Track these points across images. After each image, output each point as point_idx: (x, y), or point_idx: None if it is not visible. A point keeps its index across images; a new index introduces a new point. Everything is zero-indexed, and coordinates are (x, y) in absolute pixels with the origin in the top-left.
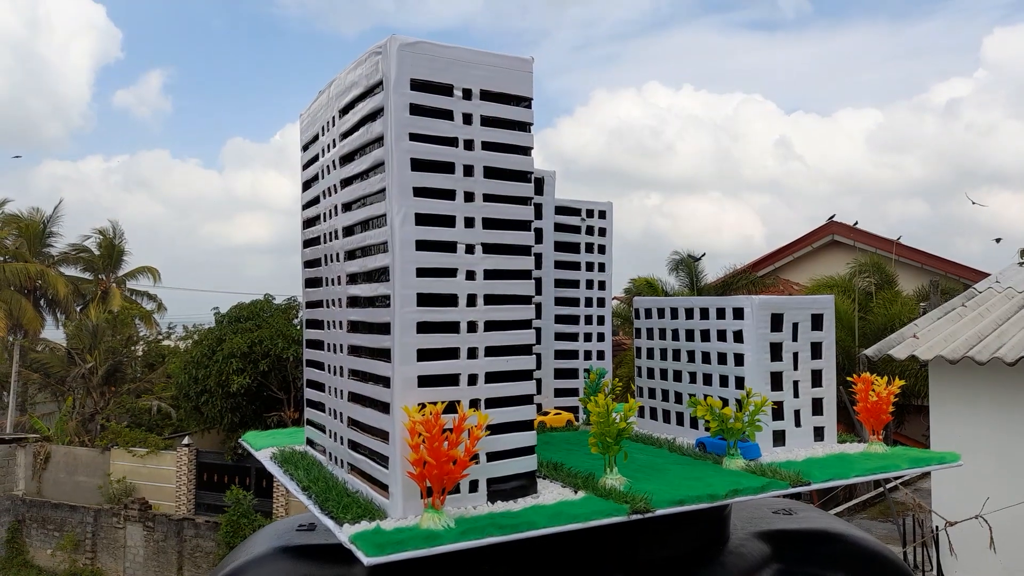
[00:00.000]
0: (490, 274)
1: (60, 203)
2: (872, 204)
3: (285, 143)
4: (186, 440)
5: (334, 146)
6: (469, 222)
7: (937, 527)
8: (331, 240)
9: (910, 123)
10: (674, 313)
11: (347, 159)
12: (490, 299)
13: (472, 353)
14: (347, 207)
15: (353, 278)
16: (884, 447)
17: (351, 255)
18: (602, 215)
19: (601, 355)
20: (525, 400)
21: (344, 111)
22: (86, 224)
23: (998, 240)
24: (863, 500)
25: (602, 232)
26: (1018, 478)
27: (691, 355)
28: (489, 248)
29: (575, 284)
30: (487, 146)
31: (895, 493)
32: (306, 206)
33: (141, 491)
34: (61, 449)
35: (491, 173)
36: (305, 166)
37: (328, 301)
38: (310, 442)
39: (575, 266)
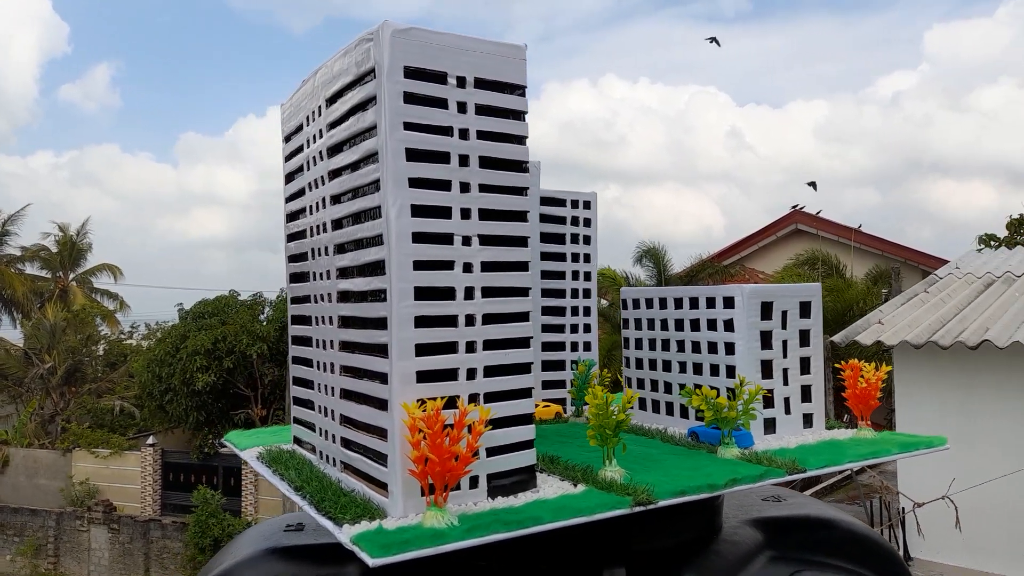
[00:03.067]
0: (487, 266)
1: (27, 207)
2: (827, 193)
3: (238, 137)
4: (151, 440)
5: (320, 136)
6: (465, 213)
7: (903, 508)
8: (319, 234)
9: (856, 115)
10: (663, 303)
11: (335, 150)
12: (488, 292)
13: (470, 347)
14: (336, 199)
15: (344, 272)
16: (873, 432)
17: (341, 249)
18: (587, 205)
19: (588, 346)
20: (524, 393)
21: (331, 100)
22: (37, 221)
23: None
24: (831, 483)
25: (587, 223)
26: (981, 459)
27: (680, 344)
28: (486, 240)
29: (561, 275)
30: (482, 135)
31: (862, 476)
32: (289, 199)
33: (105, 493)
34: (20, 452)
35: (487, 163)
36: (288, 157)
37: (316, 296)
38: (297, 440)
39: (561, 257)
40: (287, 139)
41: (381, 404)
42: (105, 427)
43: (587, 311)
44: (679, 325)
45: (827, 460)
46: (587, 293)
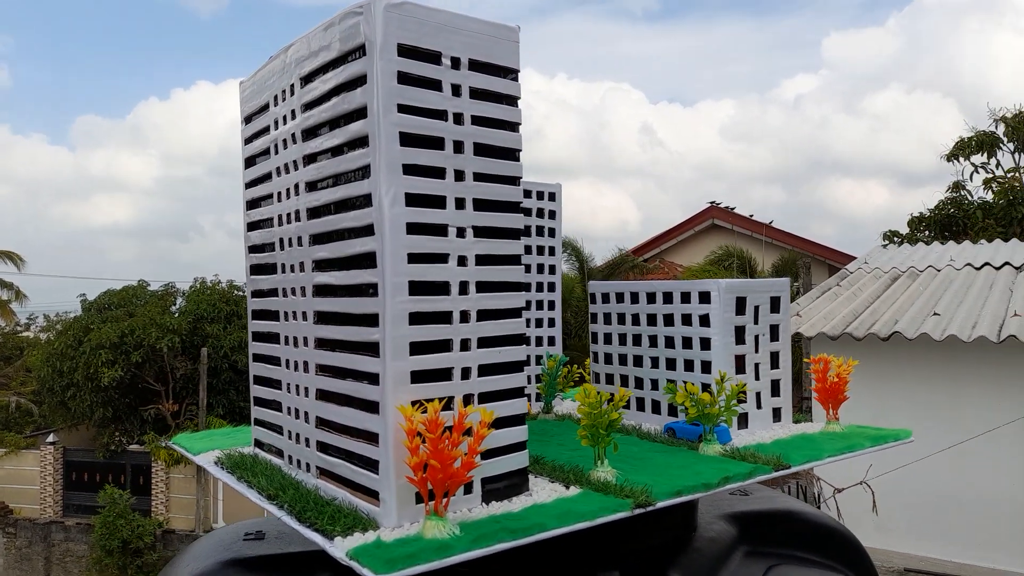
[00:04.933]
0: (482, 260)
1: None
2: (736, 190)
3: (141, 121)
4: (51, 438)
5: (293, 117)
6: (460, 203)
7: (819, 493)
8: (289, 223)
9: (761, 114)
10: (634, 297)
11: (311, 132)
12: (482, 286)
13: (465, 345)
14: (312, 186)
15: (322, 264)
16: (840, 426)
17: (318, 239)
18: (551, 197)
19: (552, 341)
20: (517, 393)
21: (308, 79)
22: None
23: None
24: None
25: (552, 214)
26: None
27: (653, 339)
28: (480, 231)
29: (527, 268)
30: (476, 120)
31: None
32: (250, 184)
33: (0, 495)
34: None
35: (481, 150)
36: (248, 140)
37: (285, 290)
38: (259, 443)
39: (526, 250)
40: (247, 120)
41: (370, 406)
42: None
43: (552, 305)
44: (651, 320)
45: (808, 456)
46: (552, 286)
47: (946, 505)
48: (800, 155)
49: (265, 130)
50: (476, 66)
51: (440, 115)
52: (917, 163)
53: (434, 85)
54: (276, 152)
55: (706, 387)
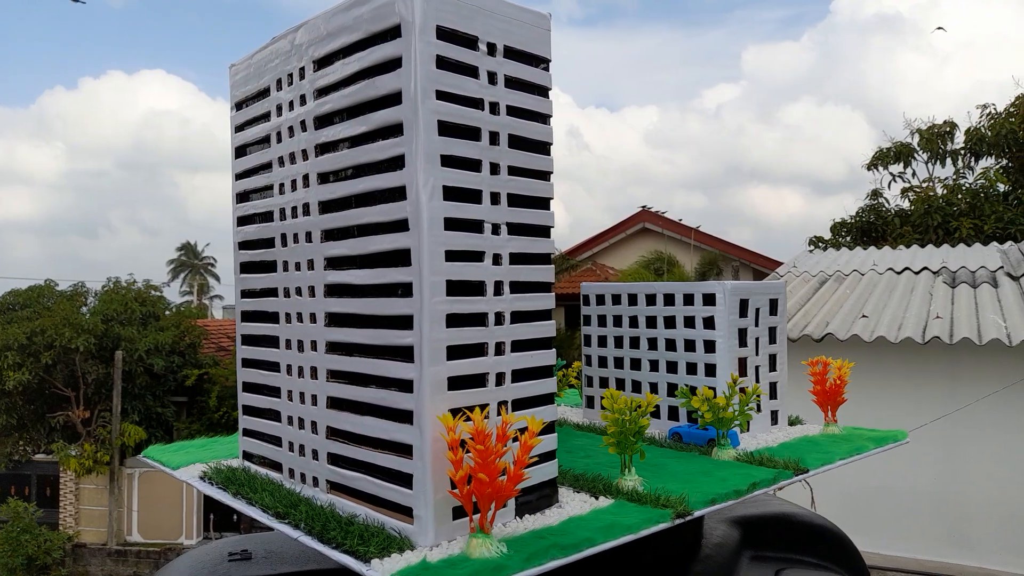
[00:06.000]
0: (516, 258)
1: None
2: (660, 195)
3: (46, 111)
4: None
5: (303, 103)
6: (495, 198)
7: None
8: (295, 216)
9: (681, 122)
10: (632, 299)
11: (326, 120)
12: (516, 287)
13: (499, 349)
14: (325, 178)
15: (337, 262)
16: (839, 428)
17: (332, 235)
18: None
19: None
20: (548, 399)
21: (324, 61)
22: None
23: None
24: None
25: None
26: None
27: (652, 342)
28: (515, 228)
29: None
30: (511, 111)
31: None
32: (242, 175)
33: None
34: None
35: (516, 143)
36: (240, 127)
37: (288, 290)
38: (249, 456)
39: None
40: (239, 106)
41: (402, 416)
42: None
43: None
44: (651, 322)
45: (822, 459)
46: None
47: (875, 499)
48: (720, 162)
49: (263, 117)
50: (511, 53)
51: (477, 104)
52: (828, 172)
53: (471, 72)
54: (279, 140)
55: (711, 391)
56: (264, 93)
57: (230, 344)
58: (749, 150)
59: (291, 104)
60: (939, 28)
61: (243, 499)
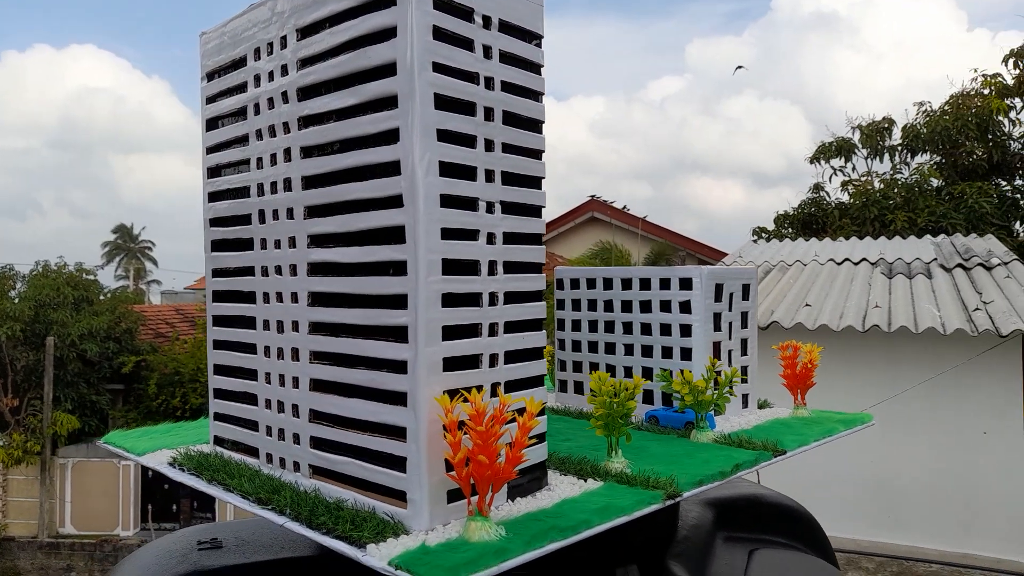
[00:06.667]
0: (509, 238)
1: None
2: (606, 185)
3: None
4: None
5: (284, 74)
6: (489, 175)
7: None
8: (275, 192)
9: (627, 113)
10: (607, 283)
11: (311, 91)
12: (509, 266)
13: (492, 330)
14: (309, 152)
15: (321, 240)
16: (807, 411)
17: (316, 211)
18: None
19: None
20: (539, 381)
21: (309, 30)
22: None
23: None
24: None
25: None
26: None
27: (628, 327)
28: (508, 207)
29: None
30: (506, 87)
31: None
32: (214, 149)
33: None
34: None
35: (509, 119)
36: (212, 99)
37: (266, 268)
38: (220, 440)
39: None
40: (210, 76)
41: (395, 397)
42: None
43: None
44: (626, 307)
45: (798, 441)
46: None
47: (816, 481)
48: (664, 153)
49: (240, 87)
50: (505, 27)
51: (472, 78)
52: (768, 165)
53: (466, 44)
54: (257, 112)
55: (691, 374)
56: (240, 63)
57: (169, 330)
58: (693, 142)
59: (271, 75)
60: (739, 67)
61: (219, 485)
